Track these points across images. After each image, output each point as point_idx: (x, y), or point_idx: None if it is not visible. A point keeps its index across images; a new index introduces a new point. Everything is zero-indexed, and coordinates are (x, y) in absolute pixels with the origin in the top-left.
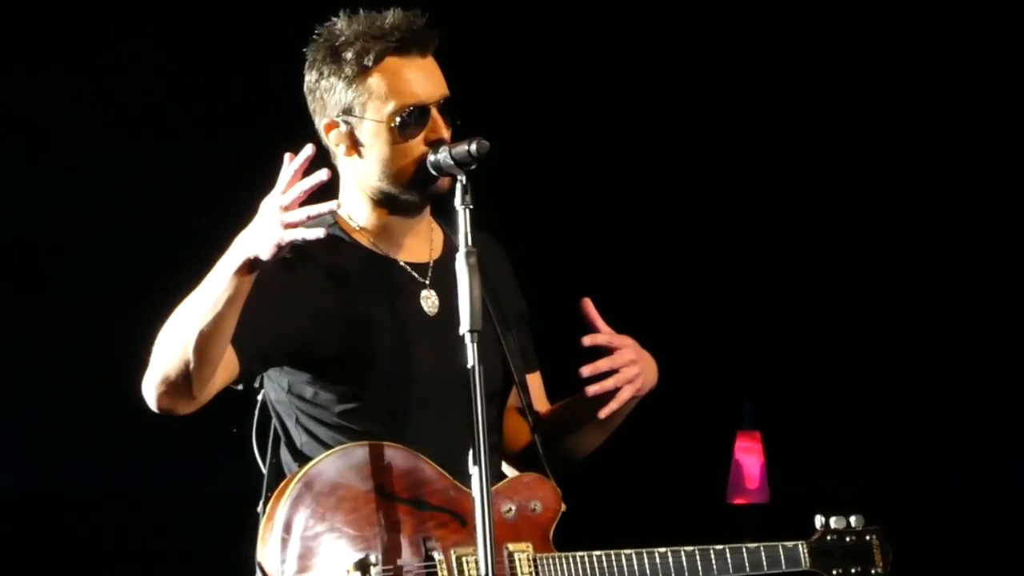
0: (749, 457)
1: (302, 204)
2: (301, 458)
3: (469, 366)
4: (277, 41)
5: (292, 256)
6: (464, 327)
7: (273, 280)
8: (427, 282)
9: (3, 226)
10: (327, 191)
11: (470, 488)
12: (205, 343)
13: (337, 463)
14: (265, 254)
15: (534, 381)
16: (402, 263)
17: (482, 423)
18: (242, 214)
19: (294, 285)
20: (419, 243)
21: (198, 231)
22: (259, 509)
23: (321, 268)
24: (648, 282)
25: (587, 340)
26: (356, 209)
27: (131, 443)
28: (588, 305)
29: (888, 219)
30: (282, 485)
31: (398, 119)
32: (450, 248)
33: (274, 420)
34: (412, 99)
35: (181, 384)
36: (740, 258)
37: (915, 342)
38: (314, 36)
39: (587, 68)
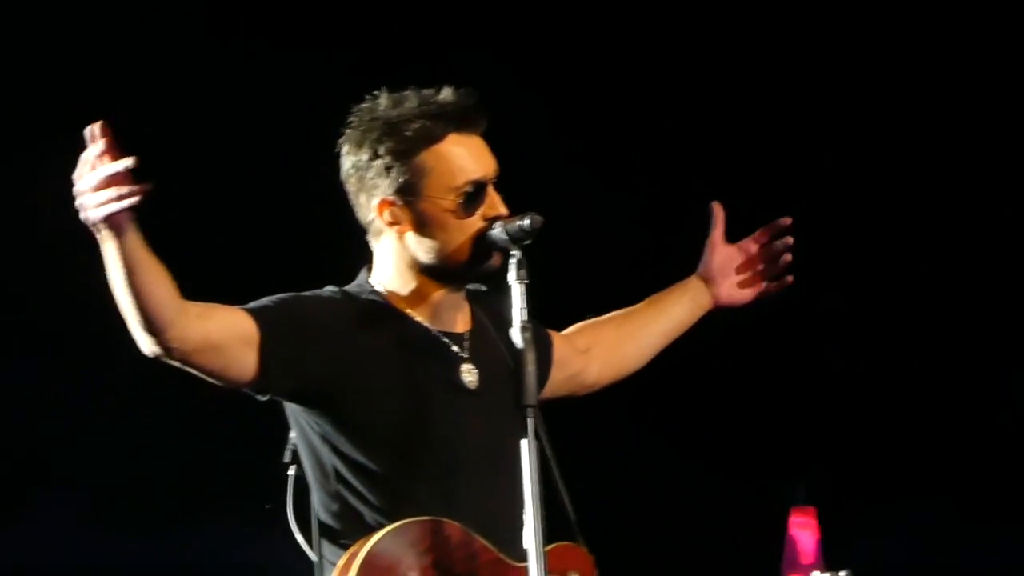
0: (804, 533)
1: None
2: (347, 526)
3: (524, 441)
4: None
5: (341, 323)
6: (525, 401)
7: (297, 314)
8: (466, 355)
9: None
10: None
11: (514, 560)
12: (137, 297)
13: (395, 540)
14: (110, 235)
15: (572, 330)
16: (442, 336)
17: (537, 498)
18: None
19: (344, 345)
20: (456, 315)
21: None
22: None
23: (369, 340)
24: (704, 356)
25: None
26: (399, 282)
27: (183, 519)
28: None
29: (954, 287)
30: (343, 564)
31: (462, 196)
32: (478, 319)
33: (313, 488)
34: (474, 176)
35: (146, 332)
36: (794, 327)
37: (979, 414)
38: (354, 116)
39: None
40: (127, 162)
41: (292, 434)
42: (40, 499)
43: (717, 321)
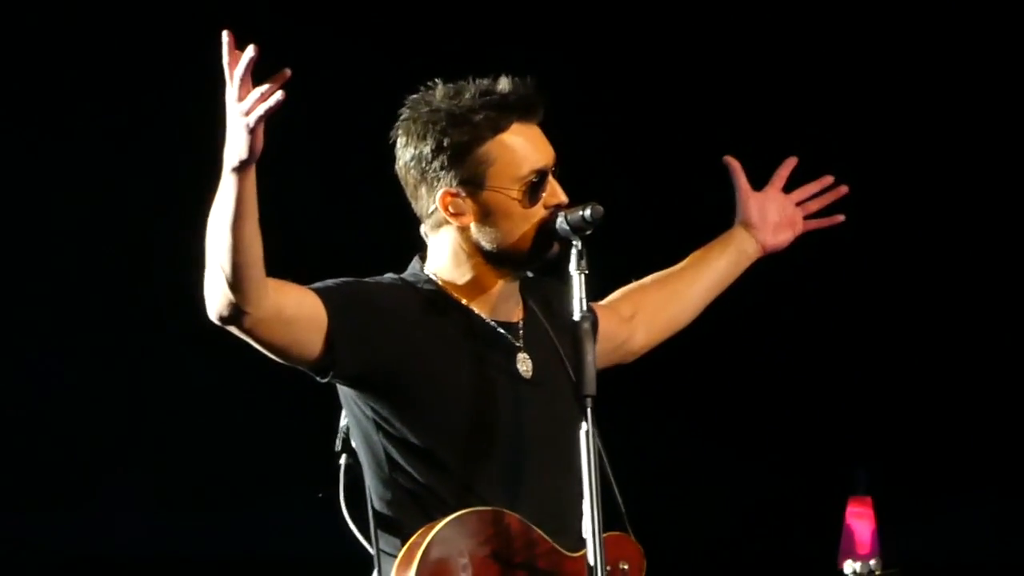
0: (860, 522)
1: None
2: (403, 515)
3: (584, 431)
4: None
5: (405, 310)
6: (585, 391)
7: (362, 299)
8: (520, 344)
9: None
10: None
11: (567, 550)
12: (235, 248)
13: (455, 530)
14: (247, 152)
15: (614, 297)
16: (499, 327)
17: (596, 488)
18: None
19: (408, 332)
20: (511, 305)
21: None
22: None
23: (432, 329)
24: (764, 345)
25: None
26: (457, 273)
27: (245, 507)
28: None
29: (1005, 276)
30: (404, 554)
31: (527, 185)
32: (529, 307)
33: (367, 475)
34: (538, 165)
35: (228, 289)
36: (857, 323)
37: None
38: (409, 107)
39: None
40: (281, 82)
41: (343, 422)
42: (104, 486)
43: (777, 304)
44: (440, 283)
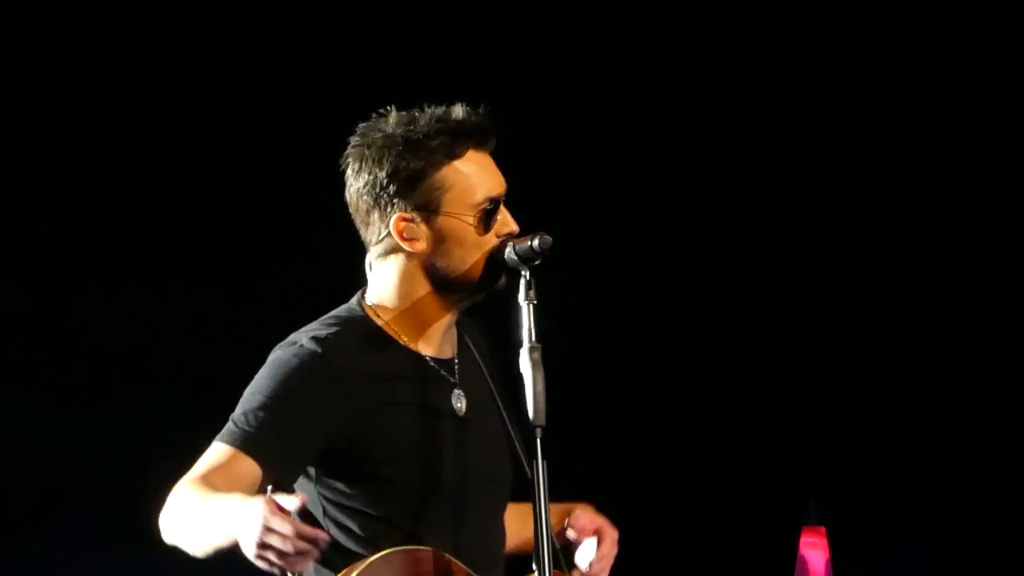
0: (814, 553)
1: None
2: (331, 554)
3: (536, 461)
4: None
5: (333, 353)
6: (535, 421)
7: (307, 383)
8: (456, 380)
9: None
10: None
11: None
12: (204, 548)
13: (382, 568)
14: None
15: None
16: (438, 365)
17: (545, 521)
18: None
19: (336, 381)
20: (448, 341)
21: None
22: None
23: (375, 380)
24: (713, 373)
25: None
26: (400, 304)
27: None
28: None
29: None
30: None
31: (480, 213)
32: (464, 343)
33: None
34: (493, 192)
35: (191, 551)
36: (807, 347)
37: (991, 436)
38: (362, 133)
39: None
40: (321, 536)
41: None
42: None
43: (730, 335)
44: (382, 322)
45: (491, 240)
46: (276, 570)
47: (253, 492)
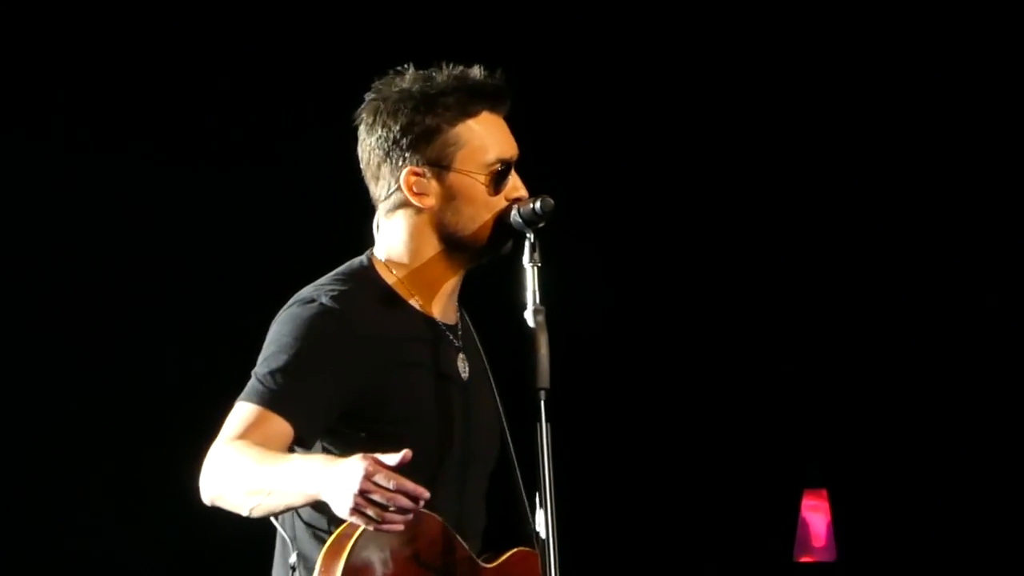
0: (816, 515)
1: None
2: (328, 513)
3: (539, 424)
4: None
5: (352, 312)
6: (538, 384)
7: (329, 341)
8: (459, 344)
9: None
10: None
11: (483, 561)
12: (264, 509)
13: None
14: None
15: None
16: (441, 325)
17: (550, 481)
18: None
19: (356, 340)
20: (450, 305)
21: None
22: (292, 561)
23: (381, 326)
24: (717, 339)
25: None
26: (409, 261)
27: None
28: None
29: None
30: (334, 541)
31: (492, 174)
32: (462, 310)
33: None
34: (505, 154)
35: (242, 510)
36: (811, 316)
37: (989, 401)
38: (378, 89)
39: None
40: (424, 493)
41: None
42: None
43: (732, 304)
44: (394, 279)
45: (500, 202)
46: (371, 525)
47: (285, 451)
